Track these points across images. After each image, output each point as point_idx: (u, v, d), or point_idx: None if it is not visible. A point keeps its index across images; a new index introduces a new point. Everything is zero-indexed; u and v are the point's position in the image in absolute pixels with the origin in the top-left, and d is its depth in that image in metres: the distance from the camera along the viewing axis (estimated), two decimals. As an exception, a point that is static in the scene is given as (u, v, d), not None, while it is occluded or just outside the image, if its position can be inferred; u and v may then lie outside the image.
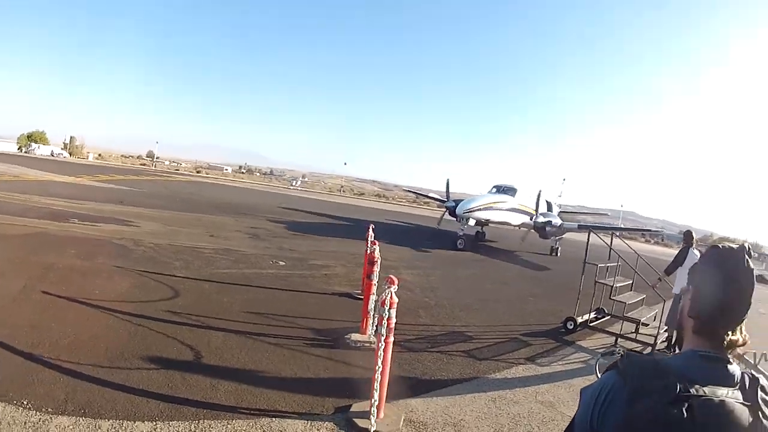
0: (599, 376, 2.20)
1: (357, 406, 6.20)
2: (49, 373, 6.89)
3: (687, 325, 2.05)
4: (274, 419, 6.46)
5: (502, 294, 17.33)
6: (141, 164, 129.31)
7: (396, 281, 7.20)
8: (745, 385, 1.85)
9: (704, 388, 1.79)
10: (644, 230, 47.77)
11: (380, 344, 6.48)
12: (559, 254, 34.22)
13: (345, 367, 8.52)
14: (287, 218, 35.96)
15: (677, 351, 2.17)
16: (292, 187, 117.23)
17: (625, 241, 15.78)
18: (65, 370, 7.04)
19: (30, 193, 27.77)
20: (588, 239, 14.27)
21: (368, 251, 11.35)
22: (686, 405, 1.74)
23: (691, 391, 1.77)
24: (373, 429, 6.24)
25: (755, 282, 1.98)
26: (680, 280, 12.63)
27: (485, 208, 31.68)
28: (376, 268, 10.54)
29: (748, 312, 1.94)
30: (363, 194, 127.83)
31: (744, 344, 1.95)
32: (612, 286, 13.50)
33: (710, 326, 1.96)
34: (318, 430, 6.33)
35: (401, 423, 6.70)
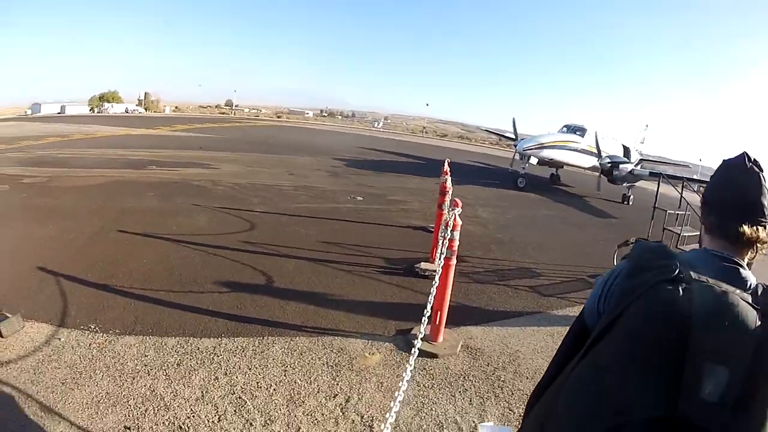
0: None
1: (418, 330, 6.42)
2: (121, 300, 7.35)
3: (702, 230, 2.14)
4: (336, 337, 6.79)
5: (568, 236, 17.04)
6: (220, 113, 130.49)
7: (460, 204, 7.34)
8: (757, 291, 1.81)
9: (708, 277, 1.79)
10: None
11: (438, 266, 6.59)
12: (631, 202, 31.69)
13: (412, 294, 8.79)
14: (367, 157, 36.18)
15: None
16: (374, 129, 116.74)
17: (699, 194, 15.55)
18: (137, 296, 7.52)
19: (105, 147, 28.09)
20: (658, 186, 14.16)
21: (442, 182, 11.45)
22: (684, 285, 1.74)
23: (692, 275, 1.77)
24: (423, 348, 6.39)
25: (764, 183, 1.99)
26: None
27: (549, 147, 30.77)
28: (448, 198, 10.53)
29: (766, 217, 1.92)
30: (445, 135, 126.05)
31: (764, 242, 1.94)
32: (679, 235, 13.57)
33: (719, 223, 1.99)
34: (377, 349, 6.62)
35: (458, 348, 6.89)
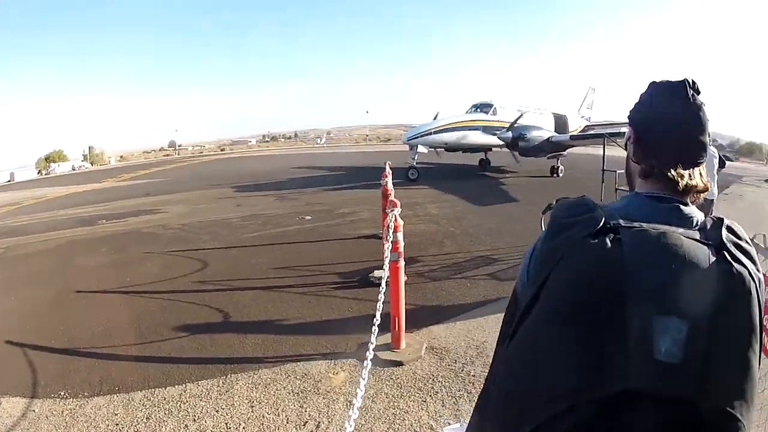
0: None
1: (380, 340, 6.23)
2: (86, 362, 7.11)
3: (634, 174, 1.84)
4: (299, 363, 6.63)
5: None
6: (164, 155, 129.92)
7: (398, 204, 7.20)
8: (705, 226, 1.57)
9: (641, 222, 1.52)
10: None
11: (386, 270, 6.46)
12: (561, 174, 31.29)
13: (370, 305, 8.36)
14: (312, 175, 36.11)
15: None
16: (318, 146, 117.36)
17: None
18: (101, 355, 7.27)
19: (56, 208, 28.03)
20: (603, 149, 14.18)
21: (383, 185, 11.35)
22: (612, 236, 1.47)
23: (621, 223, 1.50)
24: (386, 357, 6.43)
25: (706, 118, 1.71)
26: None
27: (438, 131, 29.55)
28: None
29: (706, 156, 1.72)
30: (389, 140, 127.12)
31: (705, 190, 1.70)
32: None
33: (656, 166, 1.70)
34: (341, 367, 6.49)
35: (423, 351, 6.80)
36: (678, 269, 1.40)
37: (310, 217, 17.47)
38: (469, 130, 30.85)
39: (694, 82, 1.68)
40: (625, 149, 1.93)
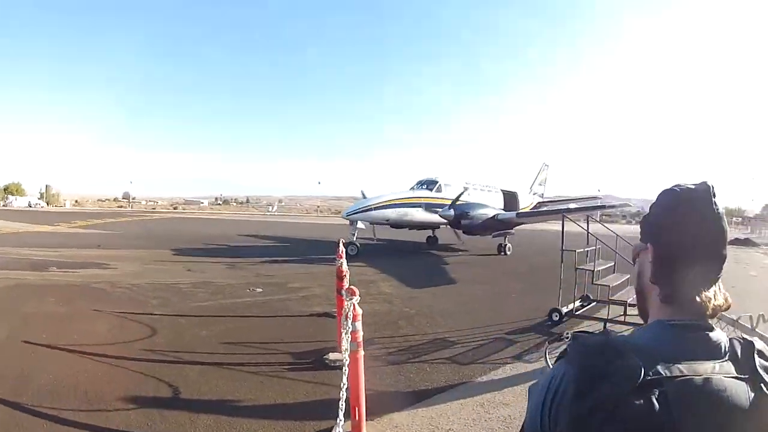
0: (550, 367, 1.61)
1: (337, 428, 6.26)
2: (34, 421, 6.95)
3: (651, 294, 1.68)
4: (254, 452, 6.55)
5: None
6: (118, 206, 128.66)
7: (356, 292, 7.18)
8: (736, 353, 1.47)
9: (680, 366, 1.40)
10: (594, 207, 41.41)
11: (345, 360, 6.52)
12: (509, 252, 31.64)
13: (325, 389, 8.50)
14: (262, 244, 36.27)
15: (646, 318, 1.66)
16: (269, 213, 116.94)
17: (605, 225, 16.00)
18: (48, 416, 7.10)
19: (8, 245, 27.71)
20: (563, 227, 14.20)
21: (337, 265, 11.43)
22: (657, 392, 1.33)
23: (661, 372, 1.37)
24: None
25: (727, 229, 1.62)
26: None
27: (378, 208, 29.80)
28: (346, 283, 10.40)
29: (723, 268, 1.59)
30: (340, 212, 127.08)
31: (728, 308, 1.60)
32: (593, 271, 13.42)
33: (682, 289, 1.57)
34: (300, 458, 6.38)
35: (386, 441, 6.56)
36: (726, 420, 1.35)
37: (261, 290, 17.37)
38: (411, 207, 30.86)
39: (713, 187, 1.57)
40: (633, 263, 1.81)
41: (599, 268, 13.68)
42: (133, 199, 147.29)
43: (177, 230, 46.60)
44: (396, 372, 9.46)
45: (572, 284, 13.59)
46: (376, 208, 29.76)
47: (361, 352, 6.96)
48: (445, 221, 30.51)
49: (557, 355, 1.57)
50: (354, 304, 6.95)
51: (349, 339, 6.71)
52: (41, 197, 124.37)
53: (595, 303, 14.34)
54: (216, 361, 9.80)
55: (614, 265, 14.68)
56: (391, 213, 30.18)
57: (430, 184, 32.41)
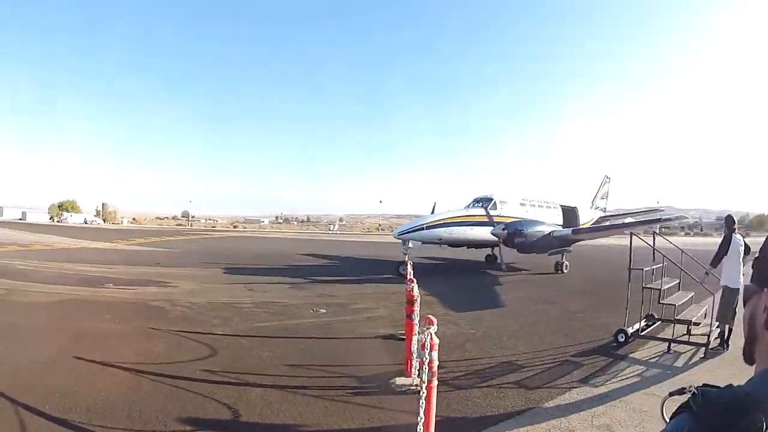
0: (667, 421, 1.60)
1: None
2: None
3: (762, 341, 1.59)
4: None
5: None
6: (177, 224, 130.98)
7: (435, 321, 6.87)
8: None
9: None
10: (651, 220, 39.59)
11: (422, 390, 6.08)
12: (566, 270, 30.65)
13: (391, 414, 8.13)
14: (325, 263, 35.93)
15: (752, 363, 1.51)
16: (330, 232, 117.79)
17: (666, 237, 15.56)
18: None
19: (63, 260, 28.17)
20: (631, 245, 13.73)
21: (407, 290, 10.98)
22: None
23: None
24: None
25: None
26: (727, 270, 12.66)
27: (431, 227, 29.30)
28: (416, 307, 10.13)
29: None
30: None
31: None
32: (660, 290, 13.16)
33: None
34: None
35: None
36: None
37: (324, 311, 16.95)
38: (465, 225, 30.42)
39: None
40: (744, 305, 1.69)
41: (666, 287, 13.40)
42: (193, 217, 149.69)
43: (236, 249, 47.08)
44: (464, 398, 9.00)
45: (635, 302, 13.27)
46: (428, 228, 29.39)
47: (435, 382, 6.56)
48: (499, 239, 29.88)
49: (676, 409, 1.50)
50: (432, 334, 6.62)
51: (426, 369, 6.32)
52: (97, 214, 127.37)
53: (659, 322, 14.06)
54: (279, 384, 9.42)
55: (679, 282, 14.41)
56: (443, 232, 29.79)
57: (485, 201, 31.94)
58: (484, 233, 30.31)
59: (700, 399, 1.42)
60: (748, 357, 1.64)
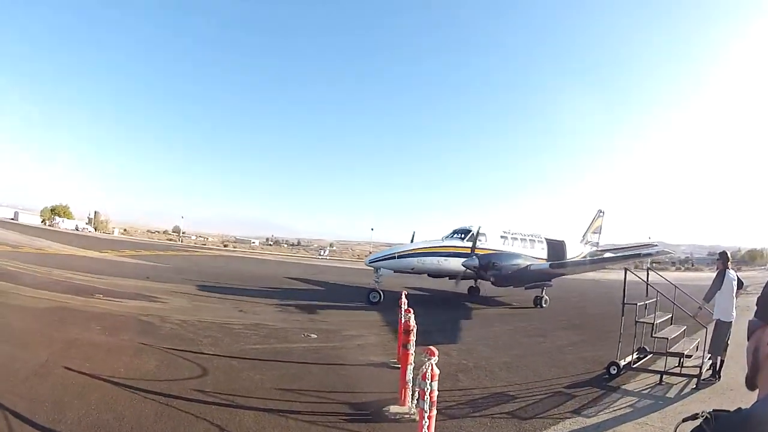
0: None
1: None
2: None
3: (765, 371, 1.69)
4: None
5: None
6: (168, 239, 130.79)
7: (436, 353, 6.96)
8: None
9: None
10: (630, 255, 38.24)
11: (423, 421, 6.22)
12: (545, 305, 30.12)
13: None
14: (316, 288, 35.73)
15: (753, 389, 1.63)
16: (320, 257, 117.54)
17: (659, 273, 15.75)
18: None
19: (53, 266, 28.12)
20: (625, 280, 13.87)
21: (402, 320, 11.01)
22: None
23: None
24: None
25: None
26: (720, 304, 13.02)
27: (404, 256, 29.24)
28: (413, 337, 10.14)
29: None
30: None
31: None
32: (653, 324, 13.41)
33: None
34: None
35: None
36: None
37: (315, 336, 16.85)
38: (437, 256, 30.12)
39: None
40: (748, 339, 1.82)
41: (658, 321, 13.69)
42: (183, 233, 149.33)
43: (227, 268, 46.99)
44: (456, 427, 9.03)
45: (627, 335, 13.48)
46: (399, 257, 29.38)
47: (434, 412, 6.65)
48: (471, 271, 29.73)
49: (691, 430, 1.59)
50: (432, 364, 6.77)
51: (428, 399, 6.47)
52: (89, 222, 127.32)
53: (651, 355, 14.29)
54: (271, 408, 9.35)
55: (671, 316, 14.86)
56: (415, 262, 29.60)
57: (463, 232, 31.70)
58: (457, 264, 29.96)
59: (714, 422, 1.55)
60: (750, 384, 1.75)
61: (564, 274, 32.50)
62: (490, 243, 31.19)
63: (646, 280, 14.26)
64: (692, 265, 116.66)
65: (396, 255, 29.39)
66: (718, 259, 13.77)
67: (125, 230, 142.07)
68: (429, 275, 32.19)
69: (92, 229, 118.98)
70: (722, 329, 12.93)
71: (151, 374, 10.74)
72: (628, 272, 14.21)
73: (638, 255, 33.17)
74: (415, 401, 7.15)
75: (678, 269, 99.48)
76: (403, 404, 9.60)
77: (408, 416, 9.08)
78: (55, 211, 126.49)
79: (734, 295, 13.21)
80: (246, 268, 49.39)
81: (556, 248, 35.15)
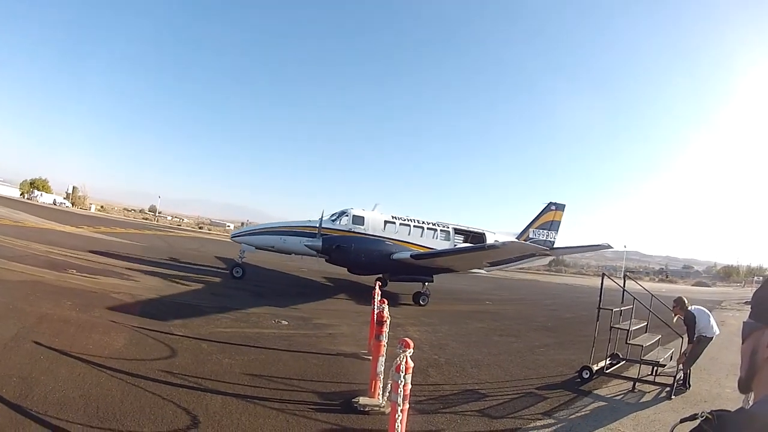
0: None
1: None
2: (36, 428, 6.53)
3: (764, 372, 1.71)
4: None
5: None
6: (143, 218, 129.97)
7: (411, 344, 6.86)
8: None
9: None
10: (586, 247, 35.19)
11: (396, 414, 6.09)
12: (423, 303, 26.83)
13: None
14: (290, 276, 35.39)
15: (750, 395, 1.64)
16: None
17: (636, 281, 15.96)
18: (53, 426, 6.67)
19: (30, 239, 27.92)
20: (602, 284, 13.91)
21: (376, 310, 10.88)
22: None
23: None
24: None
25: None
26: (701, 325, 13.07)
27: (262, 233, 28.75)
28: (386, 328, 10.00)
29: None
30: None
31: None
32: (628, 330, 13.45)
33: None
34: None
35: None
36: None
37: (286, 323, 16.75)
38: (300, 236, 28.43)
39: None
40: (743, 341, 1.83)
41: (633, 328, 13.79)
42: (159, 213, 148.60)
43: (202, 250, 46.68)
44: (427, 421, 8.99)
45: (593, 339, 13.45)
46: (258, 233, 29.14)
47: (407, 406, 6.57)
48: (314, 252, 28.12)
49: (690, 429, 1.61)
50: (407, 357, 6.64)
51: (401, 392, 6.33)
52: (67, 197, 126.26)
53: (624, 362, 14.23)
54: (239, 393, 9.23)
55: (647, 324, 14.90)
56: (277, 240, 28.77)
57: (340, 215, 29.95)
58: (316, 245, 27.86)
59: (716, 422, 1.57)
60: (745, 387, 1.77)
61: (429, 267, 28.55)
62: (369, 228, 29.42)
63: (623, 286, 14.32)
64: (666, 276, 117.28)
65: (256, 231, 29.32)
66: (675, 306, 13.87)
67: (102, 207, 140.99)
68: (286, 254, 30.85)
69: (69, 204, 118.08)
70: (703, 344, 13.11)
71: (120, 352, 10.59)
72: (605, 278, 14.14)
73: (531, 255, 31.72)
74: (387, 394, 7.03)
75: (652, 279, 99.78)
76: (373, 396, 9.50)
77: (378, 408, 9.01)
78: (34, 185, 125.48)
79: (710, 315, 13.45)
80: (221, 250, 48.90)
81: (474, 241, 32.72)
